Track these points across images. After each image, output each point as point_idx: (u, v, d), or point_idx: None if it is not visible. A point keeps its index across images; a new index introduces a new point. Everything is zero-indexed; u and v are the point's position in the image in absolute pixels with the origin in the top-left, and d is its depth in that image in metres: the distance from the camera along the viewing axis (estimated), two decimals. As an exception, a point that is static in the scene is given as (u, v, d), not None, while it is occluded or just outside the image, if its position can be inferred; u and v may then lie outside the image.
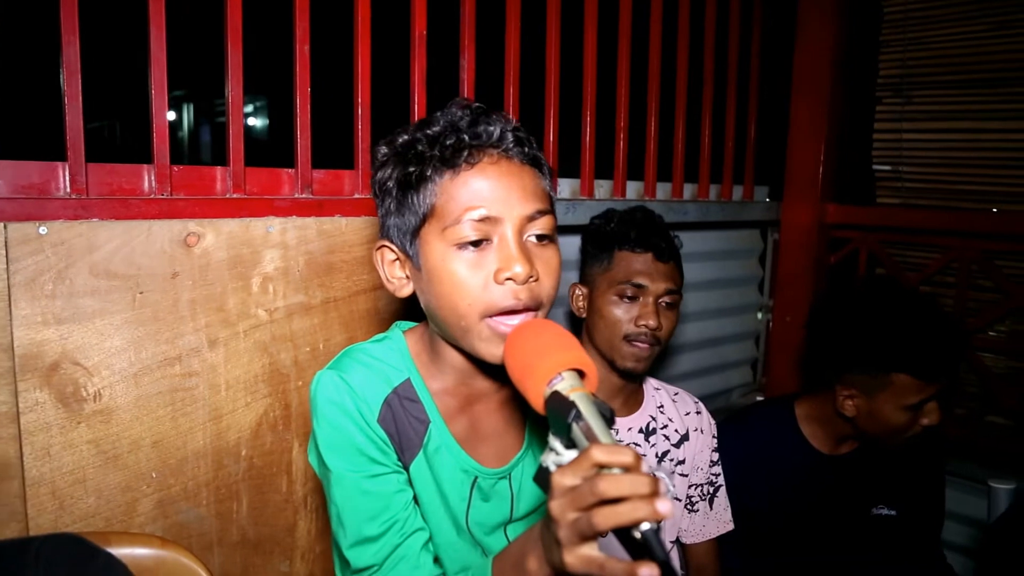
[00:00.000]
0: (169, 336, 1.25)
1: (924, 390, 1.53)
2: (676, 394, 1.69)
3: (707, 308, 2.40)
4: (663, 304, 1.51)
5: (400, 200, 0.89)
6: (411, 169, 0.88)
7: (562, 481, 0.66)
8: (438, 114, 0.91)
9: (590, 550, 0.65)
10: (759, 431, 1.77)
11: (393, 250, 0.93)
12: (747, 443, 1.73)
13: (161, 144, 1.29)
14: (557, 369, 0.72)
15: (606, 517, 0.62)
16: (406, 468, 0.93)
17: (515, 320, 0.85)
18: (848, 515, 1.72)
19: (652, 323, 1.48)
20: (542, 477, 0.70)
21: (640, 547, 0.60)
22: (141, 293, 1.22)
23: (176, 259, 1.25)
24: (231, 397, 1.33)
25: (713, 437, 1.67)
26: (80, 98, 1.20)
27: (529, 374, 0.74)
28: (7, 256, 1.10)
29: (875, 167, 2.45)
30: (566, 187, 1.97)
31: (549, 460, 0.70)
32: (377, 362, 0.95)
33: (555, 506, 0.66)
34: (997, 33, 2.19)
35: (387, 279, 0.96)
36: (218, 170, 1.38)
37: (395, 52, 1.64)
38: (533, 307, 0.86)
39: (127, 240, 1.20)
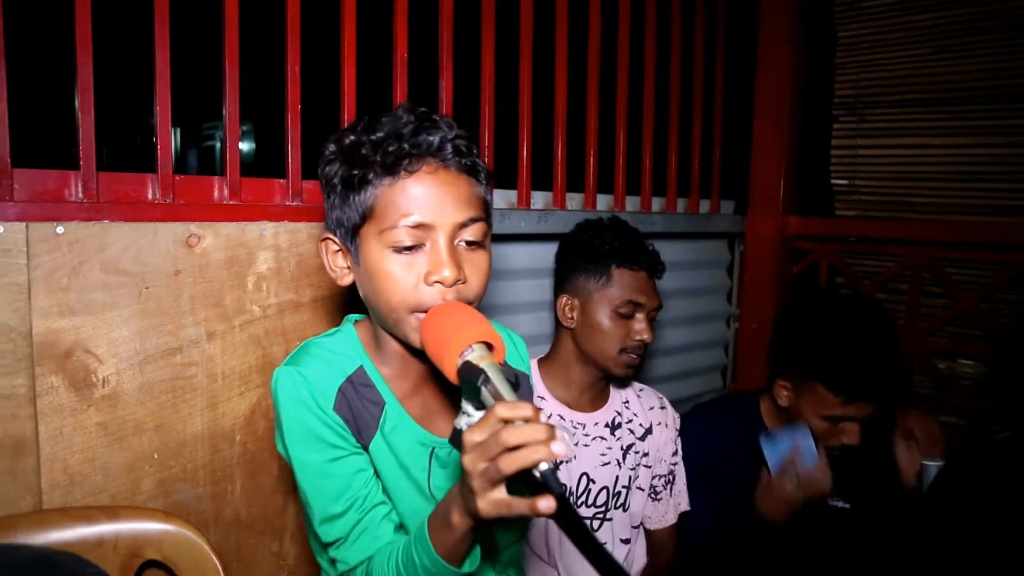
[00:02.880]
0: (171, 328, 1.38)
1: (843, 407, 1.65)
2: (641, 391, 1.82)
3: (678, 316, 2.54)
4: (651, 318, 1.65)
5: (343, 198, 0.97)
6: (354, 172, 0.95)
7: (472, 437, 0.77)
8: (385, 118, 0.97)
9: (499, 494, 0.76)
10: (723, 421, 1.89)
11: (336, 242, 1.01)
12: (711, 433, 1.85)
13: (165, 155, 1.42)
14: (468, 342, 0.83)
15: (510, 462, 0.73)
16: (366, 449, 1.02)
17: None
18: (804, 508, 1.83)
19: (648, 338, 1.61)
20: (456, 438, 0.81)
21: (540, 485, 0.72)
22: (147, 288, 1.34)
23: (179, 258, 1.37)
24: (227, 386, 1.45)
25: (676, 431, 1.79)
26: (92, 113, 1.34)
27: (444, 349, 0.84)
28: (28, 252, 1.22)
29: (833, 181, 2.61)
30: (539, 199, 2.11)
31: (462, 422, 0.82)
32: (330, 354, 1.04)
33: (467, 460, 0.77)
34: (939, 56, 2.36)
35: (330, 268, 1.04)
36: (216, 179, 1.52)
37: (377, 74, 1.78)
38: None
39: (135, 240, 1.33)
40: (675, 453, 1.76)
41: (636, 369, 1.66)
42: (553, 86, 2.08)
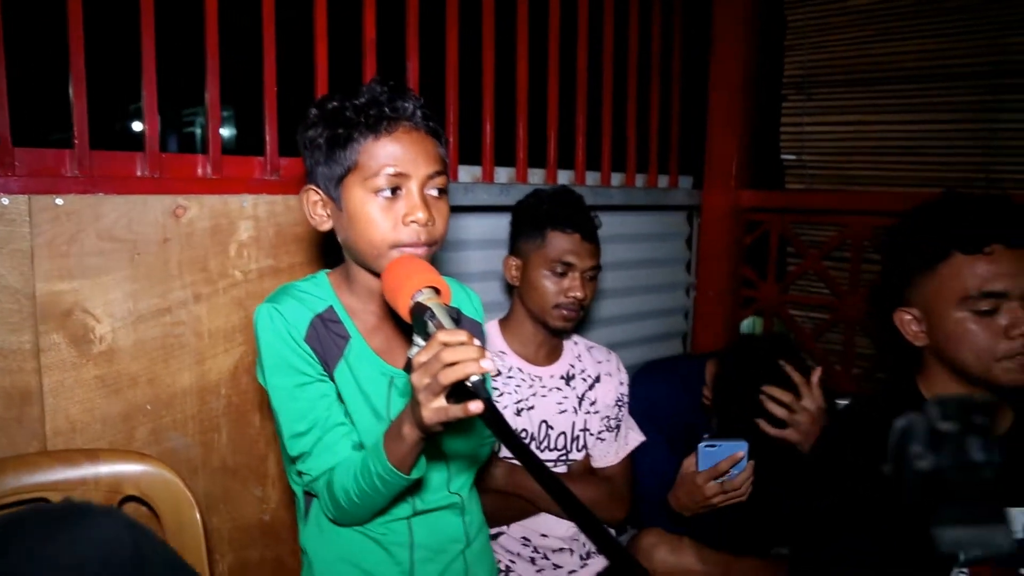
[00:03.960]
0: (161, 291, 1.52)
1: None
2: (591, 347, 1.98)
3: (640, 285, 2.70)
4: (587, 277, 1.80)
5: (328, 154, 1.12)
6: (340, 131, 1.11)
7: (418, 359, 0.93)
8: (362, 88, 1.14)
9: (440, 403, 0.93)
10: (669, 377, 2.05)
11: (318, 192, 1.16)
12: (656, 386, 2.02)
13: (152, 134, 1.55)
14: (419, 286, 0.99)
15: (447, 375, 0.89)
16: (331, 376, 1.17)
17: (413, 251, 1.11)
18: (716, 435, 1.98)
19: (580, 295, 1.77)
20: (408, 366, 0.98)
21: (471, 393, 0.88)
22: (138, 254, 1.48)
23: (167, 227, 1.51)
24: (212, 344, 1.60)
25: (621, 383, 1.95)
26: (85, 98, 1.47)
27: (398, 291, 1.00)
28: (31, 222, 1.36)
29: (782, 156, 2.77)
30: (503, 175, 2.25)
31: (413, 352, 0.98)
32: (304, 294, 1.19)
33: (414, 377, 0.93)
34: (880, 39, 2.52)
35: (310, 216, 1.19)
36: (199, 157, 1.65)
37: (347, 58, 1.91)
38: (430, 243, 1.13)
39: (127, 211, 1.46)
40: (619, 400, 1.93)
41: (596, 335, 1.82)
42: (515, 66, 2.22)
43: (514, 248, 1.88)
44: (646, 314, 2.76)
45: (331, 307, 1.20)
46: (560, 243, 1.77)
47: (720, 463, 1.71)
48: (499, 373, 1.81)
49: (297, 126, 1.19)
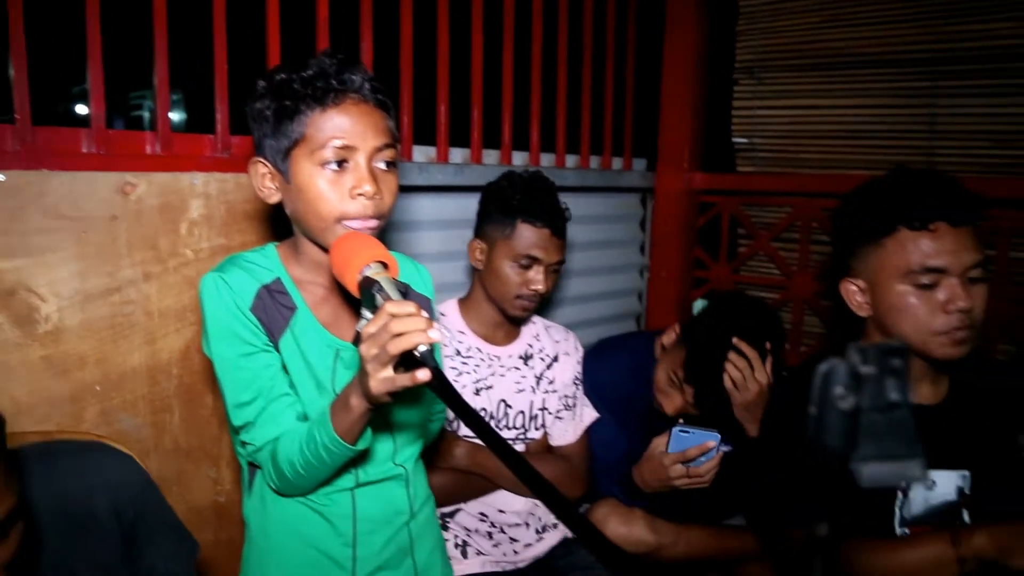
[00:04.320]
0: (109, 270, 1.50)
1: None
2: (549, 326, 2.00)
3: (595, 266, 2.73)
4: (551, 270, 1.79)
5: (276, 126, 1.11)
6: (287, 103, 1.10)
7: (367, 330, 0.93)
8: (310, 60, 1.12)
9: (387, 373, 0.93)
10: (619, 353, 2.08)
11: (266, 165, 1.16)
12: (606, 361, 2.05)
13: (98, 111, 1.53)
14: (367, 261, 1.00)
15: (395, 344, 0.89)
16: (276, 347, 1.17)
17: (361, 224, 1.11)
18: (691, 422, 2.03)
19: (543, 288, 1.76)
20: (356, 339, 0.99)
21: (419, 363, 0.89)
22: (85, 233, 1.46)
23: (115, 205, 1.49)
24: (163, 323, 1.58)
25: (578, 363, 1.98)
26: (25, 71, 1.44)
27: (346, 266, 1.01)
28: (-29, 198, 1.33)
29: (734, 140, 2.82)
30: (458, 155, 2.26)
31: (361, 325, 0.98)
32: (251, 264, 1.19)
33: (363, 348, 0.94)
34: (828, 25, 2.58)
35: (259, 188, 1.18)
36: (148, 134, 1.63)
37: (300, 37, 1.89)
38: (377, 217, 1.13)
39: (73, 188, 1.44)
40: (576, 379, 1.95)
41: (552, 315, 1.84)
42: (470, 47, 2.22)
43: (480, 231, 1.85)
44: (600, 295, 2.79)
45: (278, 278, 1.19)
46: (529, 236, 1.75)
47: (689, 449, 1.75)
48: (446, 345, 1.82)
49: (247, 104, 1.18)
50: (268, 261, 1.22)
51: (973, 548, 1.18)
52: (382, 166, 1.14)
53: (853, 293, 1.47)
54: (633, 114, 2.82)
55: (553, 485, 0.78)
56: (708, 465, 1.76)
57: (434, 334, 0.90)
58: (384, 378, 0.94)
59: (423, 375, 0.88)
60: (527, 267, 1.76)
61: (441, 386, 0.87)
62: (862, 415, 0.53)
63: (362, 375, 0.97)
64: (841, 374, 0.53)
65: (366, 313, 0.99)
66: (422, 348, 0.89)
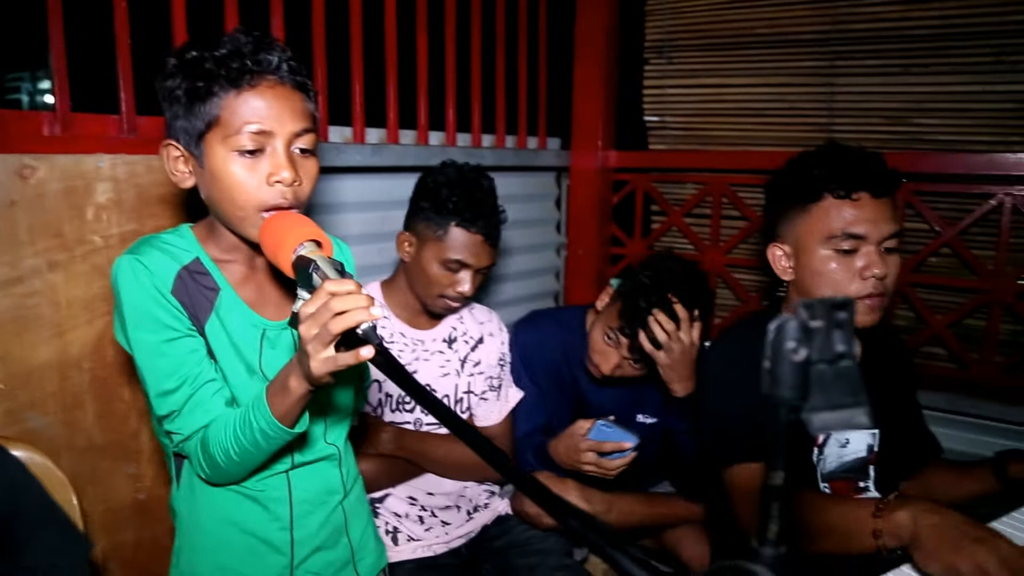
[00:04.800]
0: (10, 259, 1.40)
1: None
2: (472, 308, 1.99)
3: (511, 246, 2.74)
4: (479, 274, 1.76)
5: (187, 108, 1.06)
6: (199, 83, 1.04)
7: (306, 310, 0.91)
8: (224, 38, 1.06)
9: (329, 353, 0.91)
10: (548, 323, 2.10)
11: (179, 148, 1.10)
12: (536, 330, 2.07)
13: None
14: (300, 240, 0.98)
15: (337, 323, 0.88)
16: (202, 330, 1.12)
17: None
18: (619, 418, 2.05)
19: (468, 291, 1.73)
20: (293, 320, 0.96)
21: (363, 340, 0.88)
22: (-19, 220, 1.36)
23: (13, 189, 1.40)
24: (72, 315, 1.50)
25: (503, 343, 1.98)
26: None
27: (279, 247, 0.98)
28: None
29: (645, 118, 2.88)
30: (374, 135, 2.22)
31: (297, 306, 0.96)
32: (168, 246, 1.13)
33: (303, 328, 0.91)
34: (734, 5, 2.65)
35: (171, 172, 1.12)
36: (45, 115, 1.53)
37: (208, 12, 1.81)
38: (296, 205, 1.08)
39: (-36, 172, 1.34)
40: (500, 360, 1.96)
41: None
42: (384, 27, 2.18)
43: (411, 225, 1.78)
44: (518, 275, 2.81)
45: (197, 258, 1.14)
46: (461, 241, 1.69)
47: (606, 443, 1.79)
48: (386, 319, 1.80)
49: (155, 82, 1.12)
50: (185, 242, 1.16)
51: (892, 523, 1.19)
52: (301, 151, 1.10)
53: (779, 257, 1.54)
54: (547, 94, 2.84)
55: (497, 448, 0.79)
56: (618, 463, 1.79)
57: (376, 311, 0.88)
58: (326, 358, 0.92)
59: (367, 352, 0.87)
60: (455, 270, 1.72)
61: (387, 362, 0.86)
62: (811, 367, 0.56)
63: (302, 356, 0.95)
64: (792, 328, 0.55)
65: (302, 293, 0.97)
66: (365, 326, 0.88)
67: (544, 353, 2.04)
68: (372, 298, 0.90)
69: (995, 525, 1.29)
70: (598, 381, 1.99)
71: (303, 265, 0.96)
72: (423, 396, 0.82)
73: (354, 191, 2.14)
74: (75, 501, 1.37)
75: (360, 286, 0.91)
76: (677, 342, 1.79)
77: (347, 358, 0.91)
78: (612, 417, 1.86)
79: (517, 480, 0.77)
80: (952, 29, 2.30)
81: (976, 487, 1.56)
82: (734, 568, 0.57)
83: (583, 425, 1.83)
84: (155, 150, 1.57)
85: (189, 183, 1.12)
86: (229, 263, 1.17)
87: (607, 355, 1.90)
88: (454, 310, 1.81)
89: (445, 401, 1.85)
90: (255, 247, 1.11)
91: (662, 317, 1.79)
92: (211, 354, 1.13)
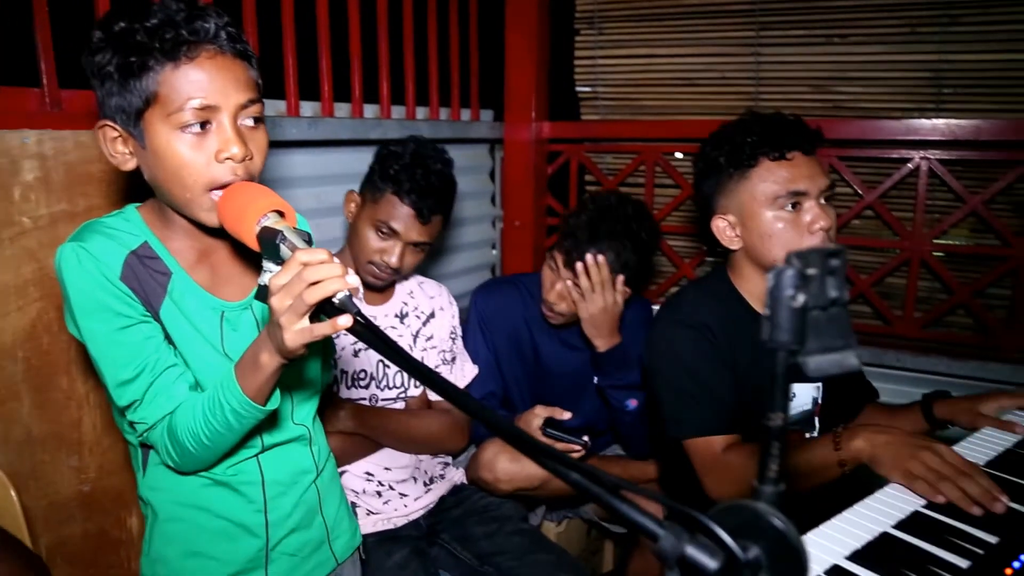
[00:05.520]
0: (-68, 244, 1.32)
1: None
2: (422, 282, 1.99)
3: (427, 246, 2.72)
4: (411, 248, 1.75)
5: (121, 84, 0.99)
6: (132, 58, 0.97)
7: (277, 281, 0.89)
8: (154, 6, 0.99)
9: (304, 323, 0.89)
10: (506, 287, 2.14)
11: (115, 128, 1.03)
12: (493, 295, 2.11)
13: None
14: (263, 211, 0.94)
15: (313, 293, 0.85)
16: (156, 316, 1.08)
17: None
18: (577, 381, 2.12)
19: (394, 263, 1.72)
20: (261, 293, 0.94)
21: (339, 310, 0.86)
22: (-102, 202, 1.27)
23: (-68, 169, 1.31)
24: (2, 302, 1.42)
25: (453, 316, 1.99)
26: None
27: (241, 219, 0.95)
28: None
29: (577, 89, 2.90)
30: (308, 108, 2.17)
31: (264, 278, 0.94)
32: (113, 230, 1.08)
33: (275, 300, 0.89)
34: (661, -25, 2.69)
35: (110, 155, 1.06)
36: (-42, 88, 1.43)
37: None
38: (248, 179, 1.03)
39: None
40: (452, 333, 1.97)
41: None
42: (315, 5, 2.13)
43: (361, 186, 1.80)
44: (454, 248, 2.80)
45: (146, 243, 1.09)
46: (392, 209, 1.71)
47: (558, 444, 1.78)
48: (360, 289, 1.77)
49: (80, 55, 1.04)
50: (131, 225, 1.10)
51: (852, 451, 1.30)
52: (249, 123, 1.04)
53: (724, 228, 1.58)
54: (479, 66, 2.82)
55: (485, 406, 0.79)
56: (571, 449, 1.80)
57: (352, 279, 0.87)
58: (300, 329, 0.89)
59: (345, 321, 0.85)
60: (385, 237, 1.72)
61: (366, 330, 0.84)
62: (807, 314, 0.59)
63: (274, 329, 0.92)
64: (790, 276, 0.57)
65: (269, 265, 0.94)
66: (341, 295, 0.86)
67: (504, 319, 2.06)
68: (346, 267, 0.88)
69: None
70: (558, 337, 2.04)
71: (269, 236, 0.93)
72: (408, 361, 0.81)
73: (288, 166, 2.09)
74: (15, 497, 1.32)
75: (332, 255, 0.89)
76: (598, 297, 1.84)
77: (323, 328, 0.89)
78: (567, 415, 1.86)
79: (506, 435, 0.77)
80: (870, 1, 2.39)
81: (907, 427, 1.66)
82: (739, 506, 0.60)
83: (539, 413, 1.82)
84: (83, 125, 1.51)
85: (130, 165, 1.06)
86: (180, 246, 1.12)
87: (549, 281, 1.95)
88: (382, 281, 1.79)
89: (399, 376, 1.85)
90: (204, 228, 1.08)
91: (589, 268, 1.83)
92: (169, 340, 1.09)
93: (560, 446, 1.79)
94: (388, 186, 1.71)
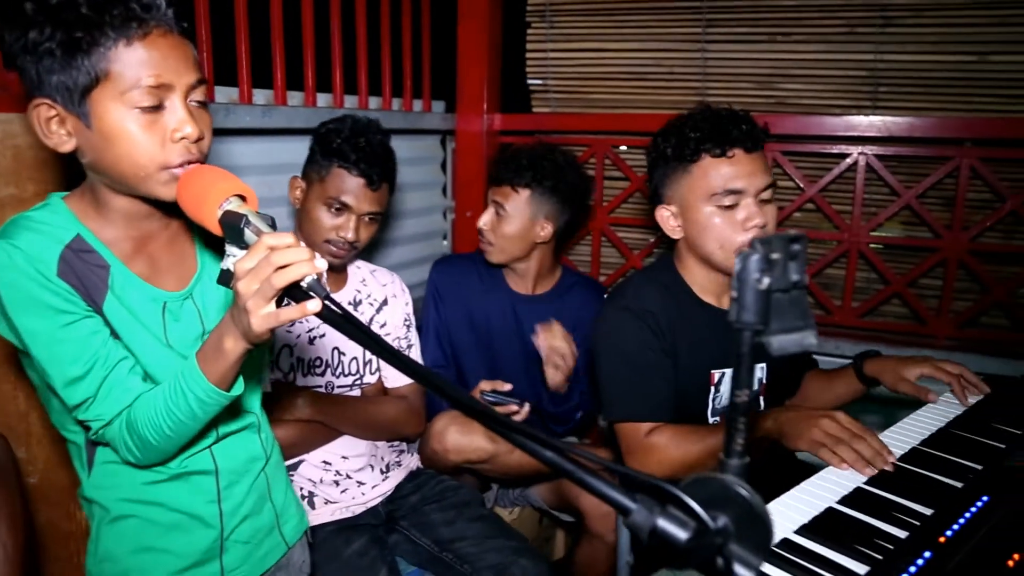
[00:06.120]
0: None
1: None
2: (374, 271, 2.00)
3: (398, 210, 2.73)
4: (364, 220, 1.75)
5: (66, 62, 0.95)
6: (79, 34, 0.94)
7: (244, 265, 0.89)
8: None
9: (271, 308, 0.89)
10: (463, 262, 2.22)
11: (54, 107, 0.99)
12: (451, 269, 2.17)
13: None
14: (225, 195, 0.94)
15: (281, 277, 0.86)
16: (100, 311, 1.05)
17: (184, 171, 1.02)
18: (527, 349, 2.15)
19: (351, 237, 1.73)
20: (224, 277, 0.94)
21: (305, 294, 0.87)
22: None
23: None
24: (-53, 289, 1.38)
25: (407, 303, 2.00)
26: None
27: (202, 203, 0.95)
28: None
29: (529, 81, 2.92)
30: (261, 96, 2.15)
31: (228, 263, 0.93)
32: (42, 225, 1.04)
33: (242, 285, 0.88)
34: (613, -32, 2.73)
35: (45, 135, 1.01)
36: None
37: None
38: (200, 159, 1.04)
39: None
40: (406, 320, 1.99)
41: (364, 260, 1.86)
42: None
43: (304, 171, 1.80)
44: (405, 239, 2.80)
45: (78, 235, 1.05)
46: (341, 182, 1.71)
47: (498, 408, 1.86)
48: (324, 271, 1.78)
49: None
50: (59, 218, 1.06)
51: (763, 430, 1.39)
52: (196, 104, 1.04)
53: (667, 218, 1.63)
54: (431, 57, 2.82)
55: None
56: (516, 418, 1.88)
57: (320, 263, 0.88)
58: (267, 314, 0.90)
59: (314, 306, 0.86)
60: (338, 213, 1.72)
61: (335, 314, 0.85)
62: (771, 293, 0.62)
63: (239, 314, 0.92)
64: (756, 260, 0.61)
65: (232, 249, 0.94)
66: (309, 279, 0.87)
67: (458, 292, 2.12)
68: (312, 251, 0.89)
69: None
70: (512, 312, 2.14)
71: (233, 221, 0.93)
72: (378, 343, 0.82)
73: (239, 155, 2.06)
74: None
75: (299, 238, 0.90)
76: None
77: (291, 312, 0.89)
78: (508, 387, 1.95)
79: (478, 415, 0.78)
80: (811, 1, 2.48)
81: (843, 389, 1.78)
82: (706, 479, 0.64)
83: (483, 386, 1.94)
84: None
85: (68, 146, 1.02)
86: (114, 236, 1.09)
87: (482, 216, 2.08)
88: (341, 260, 1.80)
89: (355, 363, 1.85)
90: (153, 204, 1.07)
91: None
92: (114, 334, 1.07)
93: (499, 409, 1.84)
94: (334, 161, 1.71)
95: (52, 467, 1.57)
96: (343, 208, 1.71)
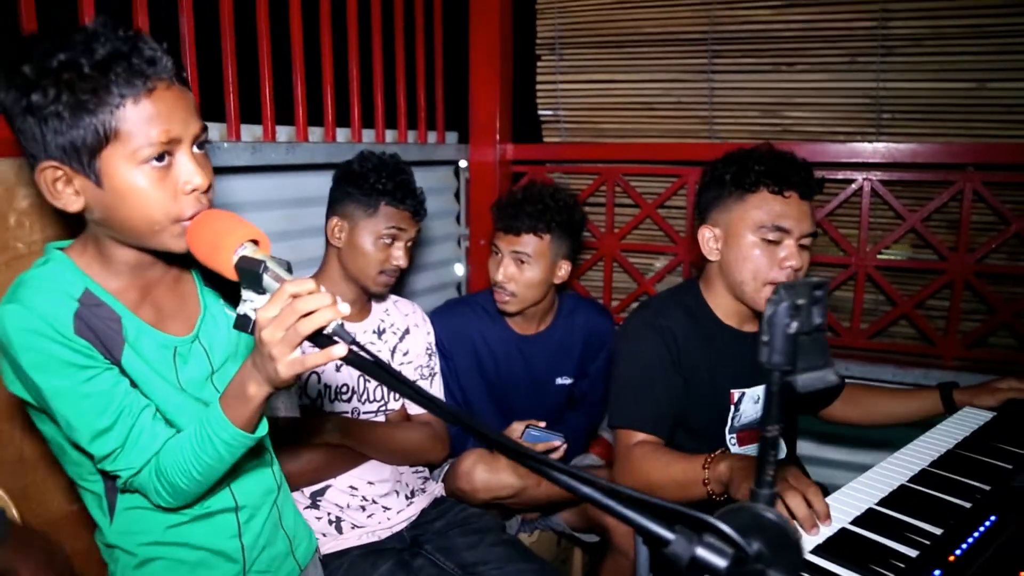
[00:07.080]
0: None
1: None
2: (396, 301, 2.07)
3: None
4: (408, 246, 1.89)
5: (73, 123, 0.94)
6: (85, 96, 0.93)
7: (266, 314, 0.90)
8: (99, 38, 0.95)
9: (296, 355, 0.91)
10: (461, 308, 2.25)
11: (60, 168, 0.98)
12: (450, 316, 2.19)
13: None
14: (240, 241, 0.96)
15: (306, 324, 0.87)
16: (118, 363, 1.06)
17: None
18: (538, 384, 2.23)
19: (403, 263, 1.87)
20: (242, 323, 0.95)
21: (331, 340, 0.88)
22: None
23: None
24: None
25: (428, 333, 2.07)
26: None
27: (217, 251, 0.96)
28: None
29: (539, 112, 3.00)
30: (284, 133, 2.22)
31: (246, 308, 0.95)
32: (51, 283, 1.03)
33: (266, 333, 0.89)
34: (618, 5, 2.81)
35: (53, 196, 1.01)
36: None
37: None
38: (208, 208, 1.04)
39: None
40: (428, 349, 2.05)
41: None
42: (290, 27, 2.19)
43: (339, 210, 1.87)
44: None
45: (87, 290, 1.05)
46: (393, 216, 1.84)
47: (538, 445, 1.92)
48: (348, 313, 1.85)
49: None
50: (66, 273, 1.06)
51: (716, 472, 1.41)
52: (199, 150, 1.05)
53: (708, 239, 1.70)
54: (444, 90, 2.91)
55: (481, 421, 0.84)
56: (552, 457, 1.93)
57: (344, 308, 0.90)
58: (293, 360, 0.91)
59: (340, 351, 0.87)
60: (390, 244, 1.84)
61: (362, 359, 0.87)
62: (798, 336, 0.68)
63: (264, 361, 0.93)
64: (786, 307, 0.67)
65: (249, 295, 0.95)
66: (334, 324, 0.88)
67: (461, 341, 2.15)
68: (334, 296, 0.91)
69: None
70: (516, 348, 2.17)
71: (251, 267, 0.94)
72: (402, 382, 0.85)
73: (264, 190, 2.13)
74: (15, 514, 1.36)
75: (319, 284, 0.91)
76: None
77: (317, 358, 0.90)
78: (543, 424, 1.98)
79: (503, 448, 0.82)
80: (813, 31, 2.55)
81: (917, 406, 1.87)
82: (736, 509, 0.69)
83: (517, 428, 1.97)
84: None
85: (77, 206, 1.01)
86: (120, 286, 1.10)
87: (494, 267, 2.12)
88: (391, 286, 1.91)
89: (380, 390, 1.91)
90: (157, 255, 1.10)
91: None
92: (132, 384, 1.08)
93: (540, 447, 1.89)
94: (381, 199, 1.83)
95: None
96: (395, 238, 1.84)
